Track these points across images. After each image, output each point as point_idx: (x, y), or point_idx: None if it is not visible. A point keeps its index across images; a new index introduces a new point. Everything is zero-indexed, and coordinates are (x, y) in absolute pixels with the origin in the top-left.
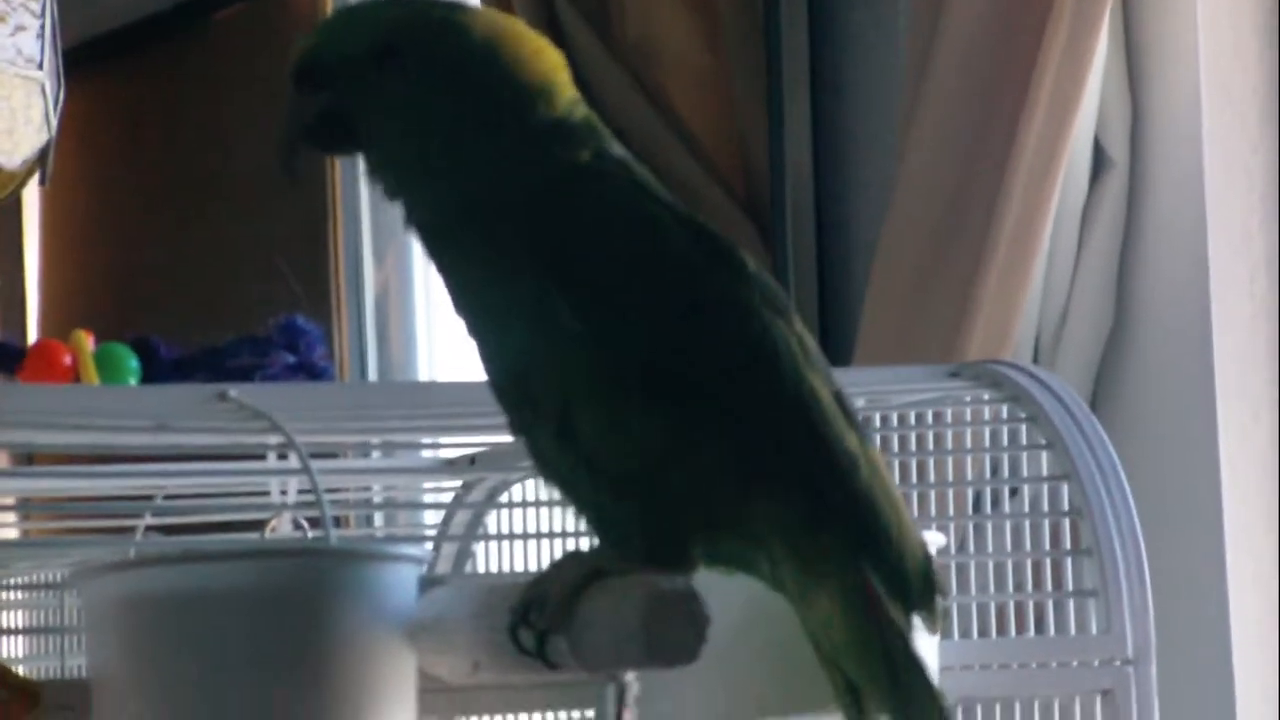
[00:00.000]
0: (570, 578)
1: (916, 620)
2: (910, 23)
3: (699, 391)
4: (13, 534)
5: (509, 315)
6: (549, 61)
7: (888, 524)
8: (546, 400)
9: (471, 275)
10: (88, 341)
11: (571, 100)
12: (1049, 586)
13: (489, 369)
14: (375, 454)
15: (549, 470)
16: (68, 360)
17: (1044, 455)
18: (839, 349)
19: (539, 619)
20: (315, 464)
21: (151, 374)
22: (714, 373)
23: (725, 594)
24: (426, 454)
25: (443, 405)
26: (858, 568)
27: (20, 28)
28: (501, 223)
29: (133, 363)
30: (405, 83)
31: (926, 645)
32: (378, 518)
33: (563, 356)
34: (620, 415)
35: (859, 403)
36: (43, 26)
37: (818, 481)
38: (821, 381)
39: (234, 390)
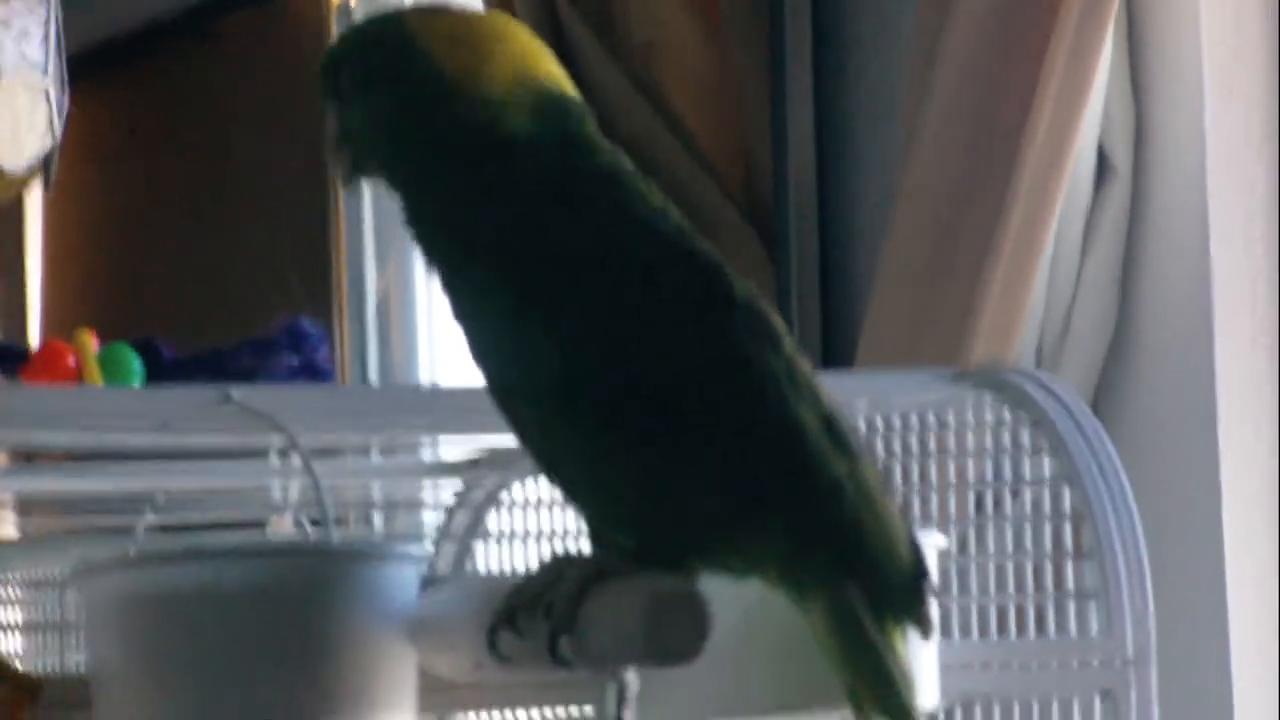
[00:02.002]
0: (576, 578)
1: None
2: (914, 30)
3: (677, 423)
4: (13, 532)
5: (493, 332)
6: (486, 49)
7: (873, 546)
8: (531, 422)
9: (458, 286)
10: (92, 342)
11: (536, 96)
12: (1050, 588)
13: (484, 377)
14: (376, 456)
15: (550, 474)
16: (72, 361)
17: (1046, 459)
18: (842, 352)
19: (546, 619)
20: (317, 464)
21: (155, 375)
22: (692, 405)
23: (728, 591)
24: (427, 455)
25: (444, 408)
26: (843, 588)
27: (25, 34)
28: (475, 237)
29: (136, 364)
30: (352, 95)
31: (923, 649)
32: (378, 517)
33: (540, 380)
34: (599, 444)
35: (861, 405)
36: (47, 33)
37: (801, 509)
38: (808, 408)
39: (237, 391)
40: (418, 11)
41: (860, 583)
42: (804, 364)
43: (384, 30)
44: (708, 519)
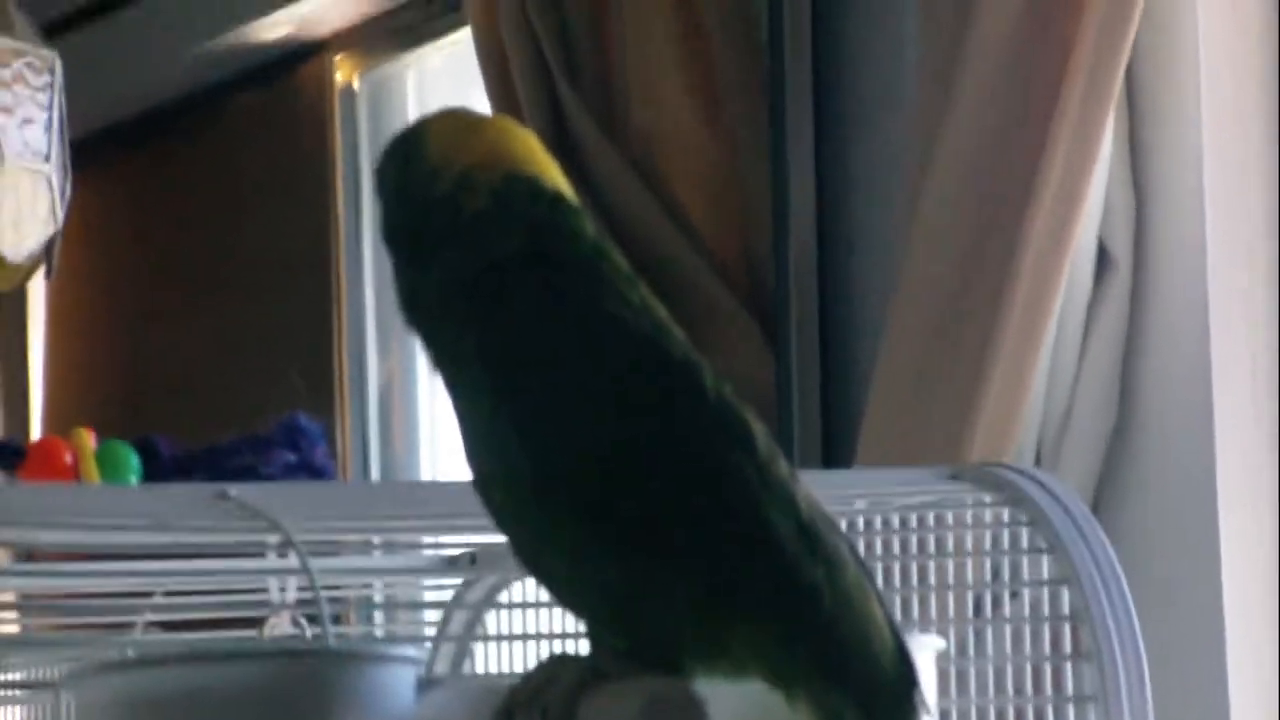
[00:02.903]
0: (571, 679)
1: None
2: (916, 120)
3: (647, 524)
4: (13, 629)
5: (471, 425)
6: (474, 141)
7: (853, 654)
8: (511, 519)
9: (447, 382)
10: (89, 440)
11: (502, 180)
12: (1049, 691)
13: (471, 472)
14: (376, 553)
15: (534, 573)
16: (69, 458)
17: (1044, 559)
18: (842, 448)
19: None
20: (314, 562)
21: (153, 472)
22: (661, 507)
23: (726, 692)
24: (428, 553)
25: (443, 504)
26: (828, 694)
27: (28, 120)
28: (445, 327)
29: (134, 461)
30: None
31: None
32: (378, 616)
33: (512, 475)
34: (574, 543)
35: (859, 504)
36: (50, 119)
37: (775, 615)
38: (781, 512)
39: (234, 489)
40: (437, 114)
41: (844, 690)
42: (781, 467)
43: (406, 131)
44: (687, 620)
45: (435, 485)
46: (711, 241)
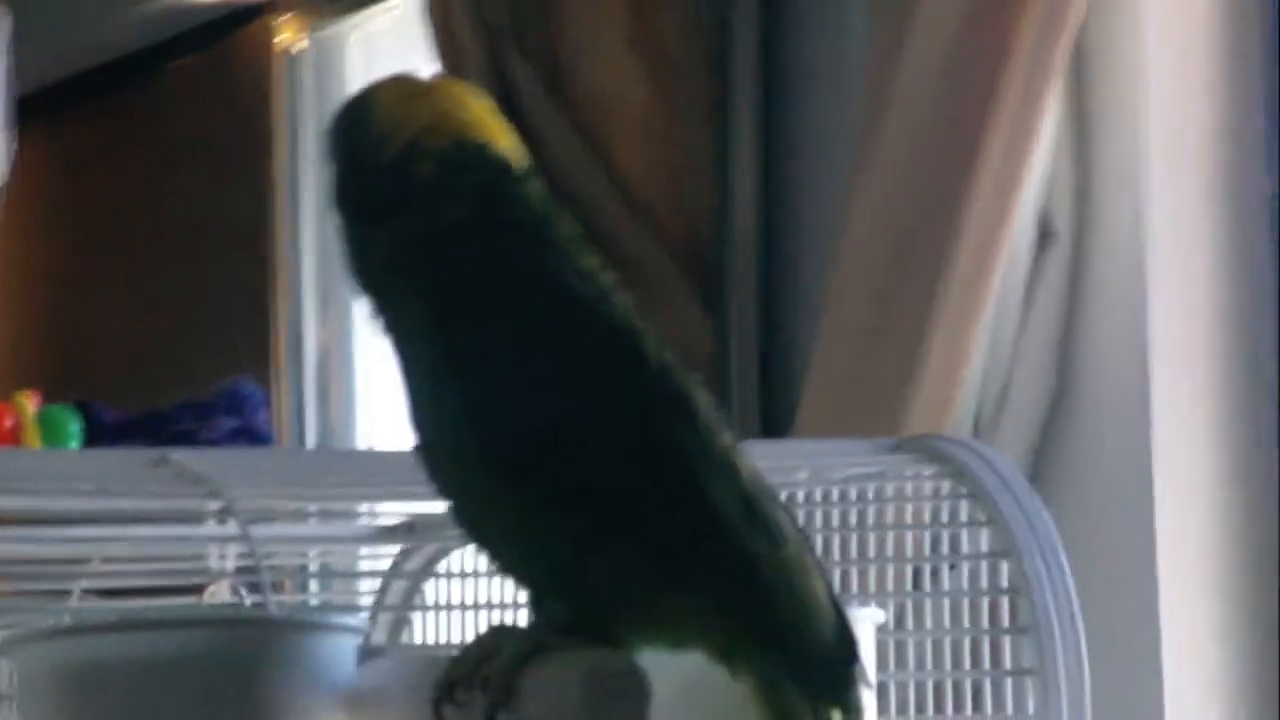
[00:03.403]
0: (512, 651)
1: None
2: (863, 87)
3: (586, 492)
4: None
5: (416, 389)
6: (424, 107)
7: (790, 628)
8: (453, 484)
9: (392, 343)
10: (30, 404)
11: (451, 145)
12: (987, 664)
13: (415, 437)
14: (311, 520)
15: (476, 540)
16: (9, 422)
17: (984, 531)
18: (781, 418)
19: (484, 693)
20: (254, 530)
21: (94, 437)
22: (600, 476)
23: (669, 663)
24: (364, 521)
25: (386, 471)
26: (767, 666)
27: None
28: (389, 291)
29: (75, 426)
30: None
31: None
32: (313, 585)
33: (454, 439)
34: (514, 510)
35: (800, 475)
36: None
37: (713, 587)
38: (722, 484)
39: (174, 454)
40: (387, 79)
41: (783, 662)
42: (724, 438)
43: (356, 97)
44: (626, 591)
45: (377, 454)
46: (653, 207)
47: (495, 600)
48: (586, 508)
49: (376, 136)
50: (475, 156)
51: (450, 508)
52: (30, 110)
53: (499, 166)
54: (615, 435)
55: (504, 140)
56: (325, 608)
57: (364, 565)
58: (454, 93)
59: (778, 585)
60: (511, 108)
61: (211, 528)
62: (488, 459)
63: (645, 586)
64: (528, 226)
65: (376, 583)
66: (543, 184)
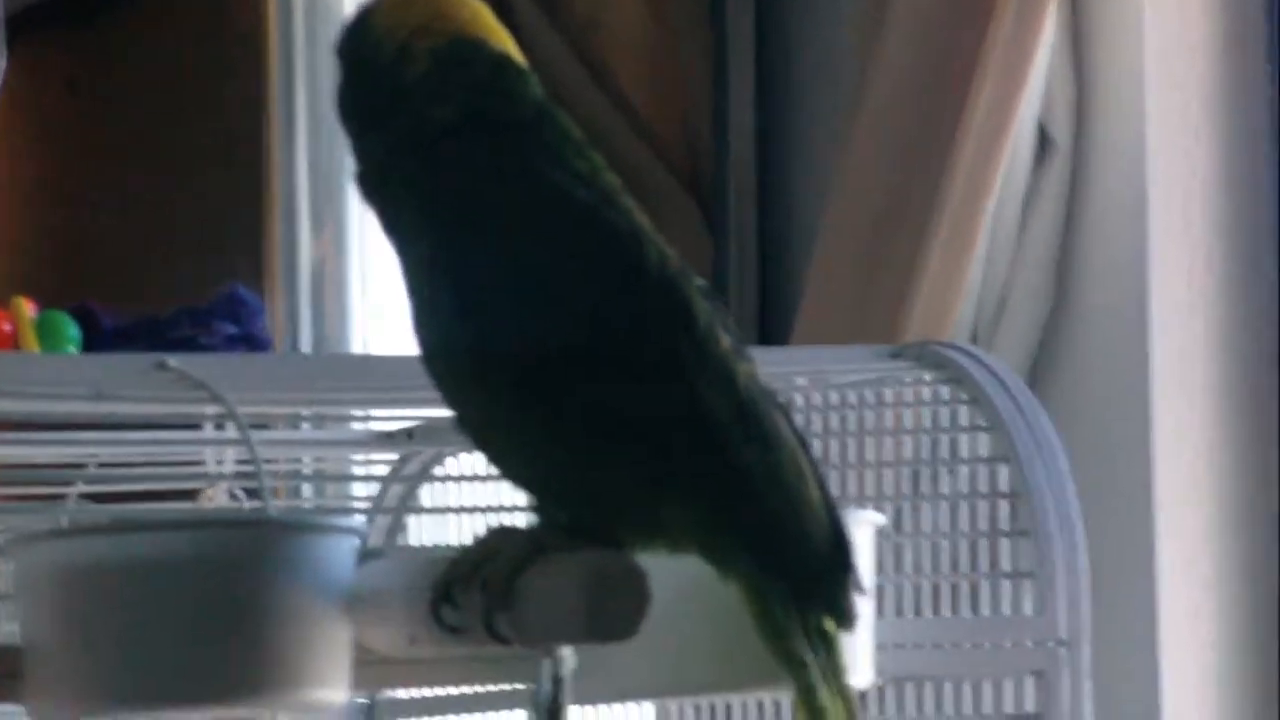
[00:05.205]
0: (512, 553)
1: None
2: (858, 4)
3: (584, 395)
4: None
5: (417, 294)
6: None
7: (783, 535)
8: (456, 389)
9: (397, 251)
10: (28, 309)
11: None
12: (985, 567)
13: (418, 344)
14: (305, 426)
15: (479, 444)
16: (7, 327)
17: (983, 437)
18: (780, 327)
19: (483, 594)
20: (254, 435)
21: (93, 343)
22: (597, 379)
23: (667, 566)
24: (360, 426)
25: (386, 377)
26: (758, 573)
27: None
28: (394, 195)
29: (73, 331)
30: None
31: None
32: (309, 489)
33: (456, 344)
34: (514, 413)
35: (800, 382)
36: None
37: (706, 492)
38: (717, 390)
39: (173, 360)
40: None
41: (774, 569)
42: (722, 342)
43: (362, 7)
44: (624, 497)
45: (377, 358)
46: (652, 124)
47: (493, 504)
48: (579, 414)
49: (373, 41)
50: (468, 54)
51: (453, 413)
52: (26, 28)
53: (493, 63)
54: (608, 341)
55: (501, 38)
56: (319, 510)
57: (358, 471)
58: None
59: (769, 495)
60: (509, 29)
61: (210, 433)
62: (482, 365)
63: (641, 493)
64: (522, 126)
65: (372, 488)
66: (539, 84)
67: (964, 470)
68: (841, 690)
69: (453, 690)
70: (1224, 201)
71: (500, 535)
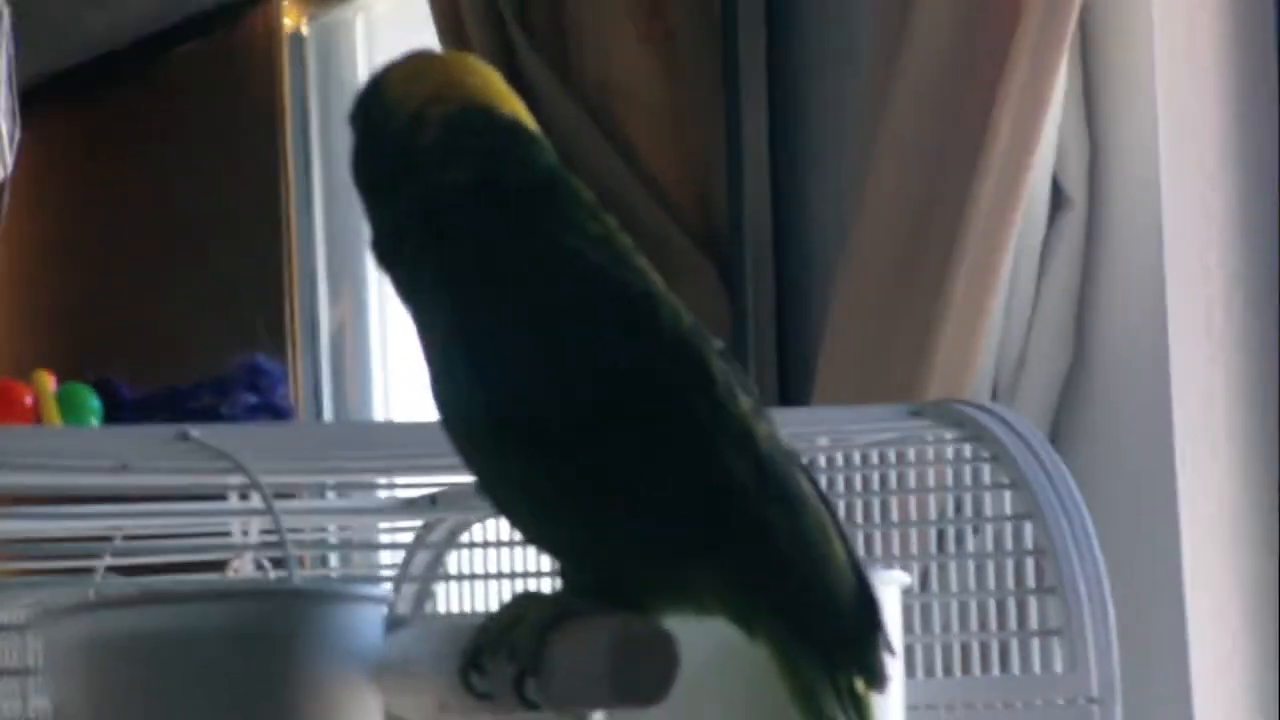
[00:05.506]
0: (539, 617)
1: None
2: (870, 62)
3: (600, 458)
4: None
5: (434, 359)
6: (431, 76)
7: (808, 595)
8: (474, 453)
9: (413, 316)
10: (49, 382)
11: (456, 110)
12: (1013, 626)
13: (437, 408)
14: (330, 494)
15: (500, 509)
16: (29, 400)
17: (1007, 494)
18: (798, 388)
19: (511, 661)
20: (278, 504)
21: (113, 414)
22: (612, 442)
23: (697, 629)
24: (384, 494)
25: (408, 444)
26: (785, 634)
27: None
28: (407, 261)
29: (95, 403)
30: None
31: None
32: (335, 559)
33: (471, 408)
34: (532, 476)
35: (821, 442)
36: None
37: (728, 554)
38: (736, 450)
39: (195, 430)
40: (403, 56)
41: (802, 630)
42: (741, 403)
43: (374, 74)
44: (647, 559)
45: (398, 426)
46: (666, 185)
47: (519, 569)
48: (596, 478)
49: (386, 108)
50: (480, 120)
51: (475, 478)
52: (44, 98)
53: (504, 129)
54: (624, 404)
55: (512, 104)
56: (345, 579)
57: (384, 538)
58: (462, 63)
59: (794, 555)
60: (518, 91)
61: (235, 503)
62: (498, 432)
63: (664, 555)
64: (534, 191)
65: (397, 555)
66: (551, 149)
67: (988, 528)
68: None
69: None
70: (1241, 251)
71: (527, 600)
